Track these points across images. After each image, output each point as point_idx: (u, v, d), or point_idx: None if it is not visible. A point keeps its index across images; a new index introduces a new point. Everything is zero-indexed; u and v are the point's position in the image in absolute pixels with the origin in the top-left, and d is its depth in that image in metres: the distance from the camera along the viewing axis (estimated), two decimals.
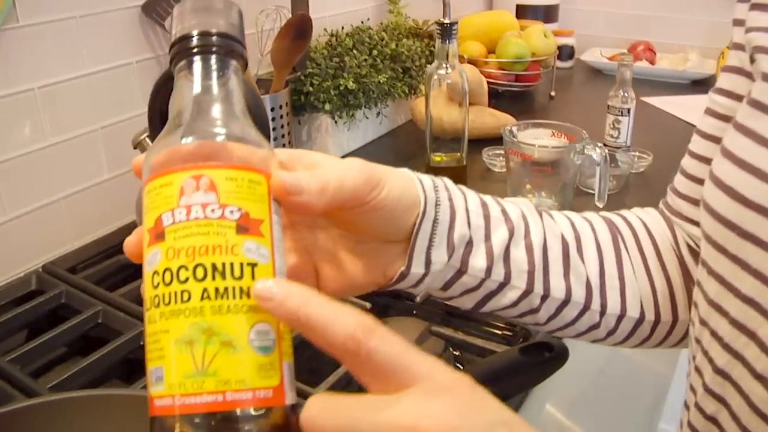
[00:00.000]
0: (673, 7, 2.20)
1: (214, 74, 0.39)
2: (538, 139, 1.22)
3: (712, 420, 0.48)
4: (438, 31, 1.14)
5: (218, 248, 0.33)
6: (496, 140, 1.49)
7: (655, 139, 1.58)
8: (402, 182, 0.45)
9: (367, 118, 1.49)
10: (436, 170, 1.21)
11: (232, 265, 0.33)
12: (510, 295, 0.53)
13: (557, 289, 0.54)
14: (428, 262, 0.48)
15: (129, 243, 0.40)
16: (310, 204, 0.39)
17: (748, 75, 0.52)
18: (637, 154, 1.46)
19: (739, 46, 0.54)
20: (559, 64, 2.06)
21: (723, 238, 0.46)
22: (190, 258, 0.33)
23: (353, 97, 1.38)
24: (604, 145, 1.39)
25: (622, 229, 0.60)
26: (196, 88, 0.39)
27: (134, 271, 1.05)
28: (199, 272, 0.33)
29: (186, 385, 0.32)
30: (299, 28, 1.17)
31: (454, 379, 0.34)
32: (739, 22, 0.54)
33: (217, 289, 0.33)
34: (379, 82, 1.41)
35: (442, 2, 1.21)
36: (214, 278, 0.33)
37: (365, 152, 1.54)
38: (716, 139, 0.57)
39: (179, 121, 0.38)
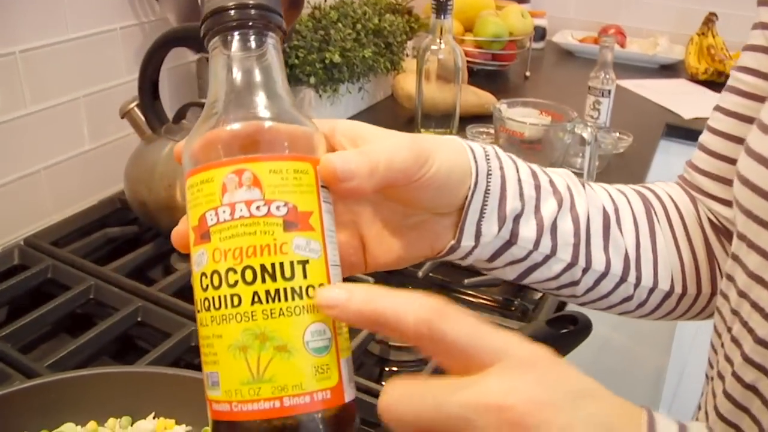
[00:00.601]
0: None
1: (254, 51, 0.35)
2: (527, 118, 1.22)
3: (752, 388, 0.49)
4: (433, 6, 1.12)
5: (266, 248, 0.32)
6: (477, 118, 1.48)
7: (629, 120, 1.59)
8: (452, 155, 0.44)
9: (350, 92, 1.46)
10: None
11: (282, 265, 0.32)
12: (554, 268, 0.52)
13: (598, 262, 0.53)
14: (478, 235, 0.47)
15: (177, 233, 0.38)
16: (360, 188, 0.37)
17: None
18: (618, 134, 1.47)
19: (765, 26, 0.55)
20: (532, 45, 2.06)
21: (765, 210, 0.47)
22: (237, 260, 0.31)
23: (338, 71, 1.36)
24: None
25: (653, 202, 0.60)
26: (235, 67, 0.35)
27: (123, 245, 1.01)
28: (248, 275, 0.31)
29: (242, 392, 0.31)
30: None
31: (533, 353, 0.33)
32: (764, 3, 0.56)
33: (267, 292, 0.31)
34: (364, 56, 1.39)
35: None
36: (264, 281, 0.31)
37: None
38: (741, 117, 0.58)
39: (218, 107, 0.35)
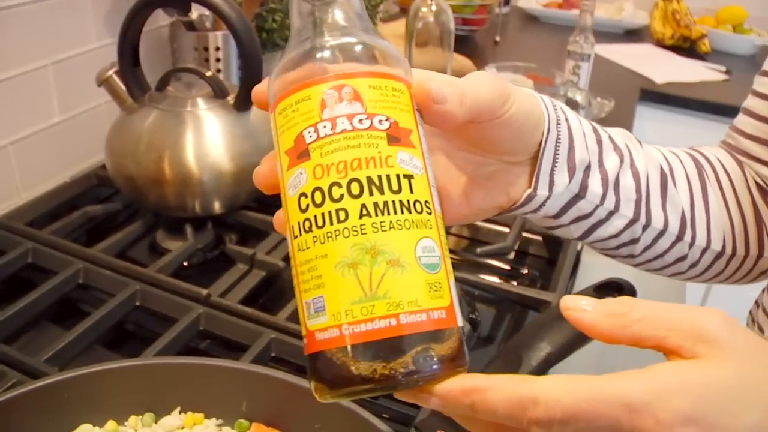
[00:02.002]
0: None
1: None
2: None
3: None
4: None
5: (372, 160, 0.30)
6: None
7: (605, 85, 1.57)
8: (528, 98, 0.43)
9: None
10: None
11: (389, 177, 0.30)
12: (616, 224, 0.51)
13: (657, 219, 0.53)
14: (551, 184, 0.46)
15: (260, 173, 0.37)
16: (452, 113, 0.36)
17: None
18: (599, 98, 1.45)
19: None
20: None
21: None
22: (342, 174, 0.30)
23: None
24: None
25: (704, 164, 0.59)
26: None
27: (105, 224, 0.94)
28: (355, 188, 0.30)
29: (354, 311, 0.29)
30: None
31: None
32: None
33: (376, 204, 0.30)
34: None
35: None
36: (371, 193, 0.30)
37: None
38: None
39: (305, 35, 0.34)
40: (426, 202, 0.31)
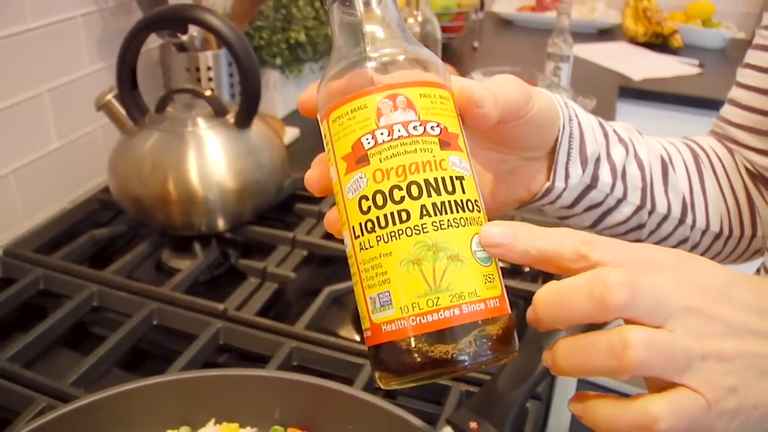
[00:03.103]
0: None
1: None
2: None
3: None
4: None
5: (428, 164, 0.33)
6: None
7: (585, 84, 1.60)
8: (545, 97, 0.46)
9: (313, 72, 1.41)
10: None
11: (443, 179, 0.33)
12: (624, 211, 0.55)
13: (661, 204, 0.57)
14: (567, 176, 0.49)
15: (311, 177, 0.40)
16: (489, 115, 0.39)
17: None
18: (581, 98, 1.48)
19: None
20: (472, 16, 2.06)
21: None
22: (401, 177, 0.32)
23: (302, 50, 1.31)
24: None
25: (699, 152, 0.63)
26: (358, 13, 0.37)
27: (112, 246, 0.95)
28: (414, 190, 0.32)
29: (420, 304, 0.31)
30: None
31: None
32: None
33: (434, 205, 0.32)
34: (327, 34, 1.34)
35: None
36: (429, 194, 0.32)
37: None
38: (761, 91, 0.62)
39: (350, 47, 0.37)
40: (475, 200, 0.34)
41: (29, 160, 0.98)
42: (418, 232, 0.32)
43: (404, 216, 0.32)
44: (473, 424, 0.51)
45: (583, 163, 0.50)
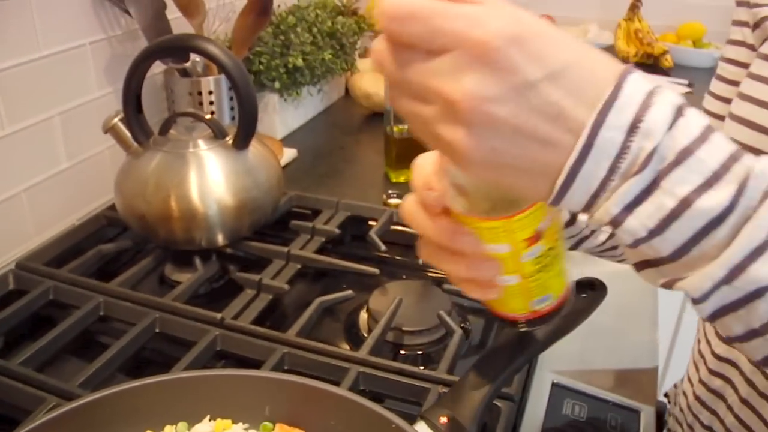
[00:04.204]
0: None
1: None
2: None
3: None
4: None
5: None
6: None
7: None
8: None
9: (311, 95, 1.48)
10: (398, 141, 1.22)
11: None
12: (600, 238, 0.62)
13: None
14: None
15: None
16: None
17: (749, 46, 0.66)
18: None
19: (742, 23, 0.67)
20: None
21: None
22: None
23: (300, 74, 1.37)
24: None
25: None
26: None
27: (119, 260, 1.01)
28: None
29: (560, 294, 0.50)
30: (261, 5, 1.15)
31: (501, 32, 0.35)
32: (741, 3, 0.67)
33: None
34: (323, 59, 1.41)
35: None
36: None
37: (310, 129, 1.53)
38: (726, 100, 0.69)
39: None
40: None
41: (40, 179, 1.04)
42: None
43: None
44: (443, 418, 0.56)
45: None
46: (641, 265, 0.41)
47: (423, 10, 0.35)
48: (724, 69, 0.70)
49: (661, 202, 0.36)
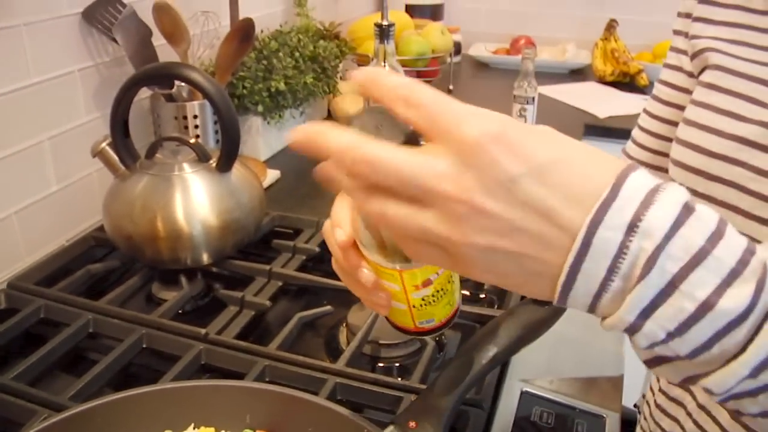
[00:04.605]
0: (547, 3, 2.38)
1: None
2: None
3: None
4: (377, 32, 1.20)
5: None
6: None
7: (552, 123, 1.69)
8: None
9: (293, 117, 1.52)
10: None
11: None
12: None
13: None
14: None
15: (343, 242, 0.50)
16: None
17: (687, 72, 0.72)
18: None
19: (679, 51, 0.73)
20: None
21: (693, 182, 0.63)
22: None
23: (282, 98, 1.42)
24: None
25: None
26: None
27: (107, 279, 1.04)
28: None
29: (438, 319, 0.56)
30: (244, 32, 1.19)
31: (485, 133, 0.36)
32: (678, 32, 0.73)
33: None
34: (305, 82, 1.45)
35: (378, 5, 1.26)
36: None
37: (292, 151, 1.57)
38: (660, 119, 0.76)
39: None
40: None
41: (31, 201, 1.08)
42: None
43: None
44: (412, 424, 0.60)
45: None
46: (655, 362, 0.40)
47: (417, 93, 0.38)
48: (660, 90, 0.76)
49: (681, 305, 0.35)
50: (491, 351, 0.64)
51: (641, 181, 0.36)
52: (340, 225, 0.50)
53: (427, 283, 0.52)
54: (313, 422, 0.64)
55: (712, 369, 0.38)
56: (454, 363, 0.64)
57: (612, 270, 0.36)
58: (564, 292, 0.37)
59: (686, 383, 0.40)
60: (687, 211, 0.36)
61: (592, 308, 0.38)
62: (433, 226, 0.37)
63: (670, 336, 0.36)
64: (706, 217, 0.36)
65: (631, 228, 0.35)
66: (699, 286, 0.35)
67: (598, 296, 0.37)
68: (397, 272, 0.49)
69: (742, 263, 0.36)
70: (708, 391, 0.39)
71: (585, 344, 0.90)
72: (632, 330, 0.37)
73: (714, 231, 0.36)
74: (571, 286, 0.37)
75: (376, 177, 0.38)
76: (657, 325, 0.36)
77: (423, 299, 0.52)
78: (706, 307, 0.35)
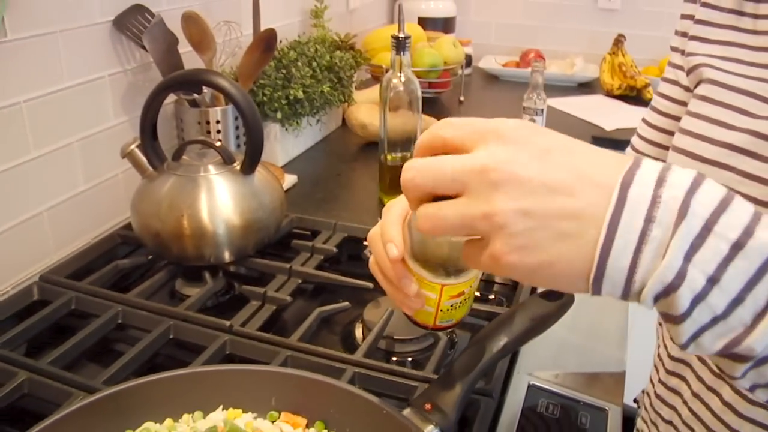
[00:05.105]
0: (557, 18, 2.43)
1: None
2: None
3: None
4: (393, 44, 1.25)
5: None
6: None
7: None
8: None
9: (310, 125, 1.57)
10: (391, 168, 1.32)
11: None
12: None
13: None
14: None
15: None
16: None
17: (683, 86, 0.77)
18: None
19: (676, 66, 0.79)
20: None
21: None
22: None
23: (300, 105, 1.47)
24: None
25: None
26: None
27: (134, 275, 1.09)
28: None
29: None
30: (267, 41, 1.24)
31: (515, 129, 0.43)
32: (676, 49, 0.79)
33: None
34: (323, 91, 1.50)
35: (389, 15, 1.31)
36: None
37: (309, 157, 1.62)
38: (658, 128, 0.82)
39: None
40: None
41: (60, 200, 1.13)
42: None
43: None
44: (428, 406, 0.65)
45: None
46: (692, 338, 0.41)
47: (456, 121, 0.45)
48: (658, 102, 0.82)
49: (717, 246, 0.38)
50: (502, 340, 0.68)
51: (652, 162, 0.41)
52: (393, 241, 0.57)
53: (460, 295, 0.59)
54: (335, 404, 0.68)
55: (746, 328, 0.40)
56: (467, 351, 0.69)
57: (649, 219, 0.39)
58: (603, 252, 0.39)
59: (727, 349, 0.41)
60: (700, 176, 0.40)
61: (632, 269, 0.40)
62: (474, 207, 0.42)
63: (710, 282, 0.39)
64: (716, 185, 0.40)
65: (659, 183, 0.39)
66: (730, 228, 0.38)
67: (638, 251, 0.39)
68: (439, 286, 0.57)
69: (757, 213, 0.40)
70: (741, 358, 0.41)
71: (589, 343, 0.94)
72: (679, 279, 0.39)
73: (727, 192, 0.40)
74: (611, 244, 0.39)
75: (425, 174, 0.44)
76: (698, 270, 0.39)
77: (452, 306, 0.59)
78: (738, 247, 0.38)
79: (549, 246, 0.40)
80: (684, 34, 0.77)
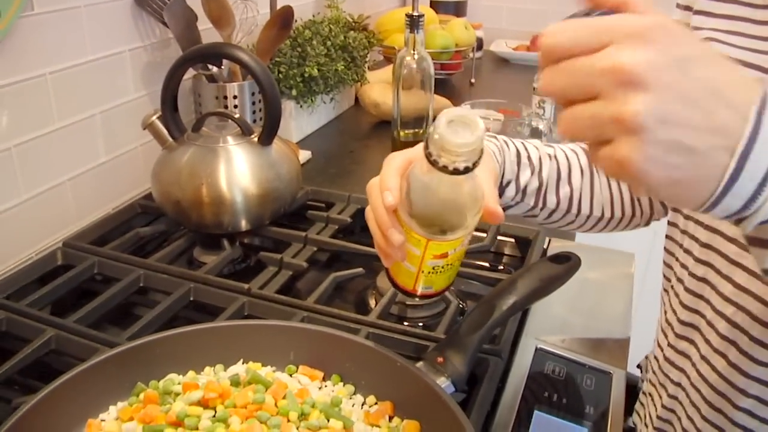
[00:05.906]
0: (567, 2, 2.43)
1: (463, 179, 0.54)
2: (489, 115, 1.39)
3: (703, 279, 0.74)
4: (407, 22, 1.27)
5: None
6: None
7: None
8: (492, 162, 0.75)
9: (324, 103, 1.60)
10: (404, 144, 1.35)
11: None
12: (522, 207, 0.85)
13: (550, 202, 0.84)
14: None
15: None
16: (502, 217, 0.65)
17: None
18: None
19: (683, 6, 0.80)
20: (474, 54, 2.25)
21: None
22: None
23: (315, 83, 1.50)
24: None
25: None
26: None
27: (154, 242, 1.12)
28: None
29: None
30: (284, 18, 1.27)
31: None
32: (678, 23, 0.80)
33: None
34: (337, 69, 1.53)
35: None
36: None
37: (323, 134, 1.65)
38: None
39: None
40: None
41: (82, 170, 1.16)
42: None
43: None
44: (440, 359, 0.68)
45: (500, 188, 0.78)
46: None
47: (583, 22, 0.42)
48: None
49: None
50: (511, 299, 0.72)
51: None
52: (390, 189, 0.59)
53: (443, 256, 0.60)
54: (350, 358, 0.71)
55: None
56: (477, 308, 0.72)
57: None
58: (741, 159, 0.39)
59: None
60: None
61: (753, 198, 0.40)
62: (614, 106, 0.39)
63: None
64: None
65: None
66: None
67: (763, 184, 0.40)
68: (424, 240, 0.58)
69: None
70: None
71: (596, 308, 0.97)
72: None
73: None
74: (750, 151, 0.39)
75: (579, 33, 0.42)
76: None
77: (433, 268, 0.61)
78: None
79: (679, 160, 0.40)
80: (687, 8, 0.78)
